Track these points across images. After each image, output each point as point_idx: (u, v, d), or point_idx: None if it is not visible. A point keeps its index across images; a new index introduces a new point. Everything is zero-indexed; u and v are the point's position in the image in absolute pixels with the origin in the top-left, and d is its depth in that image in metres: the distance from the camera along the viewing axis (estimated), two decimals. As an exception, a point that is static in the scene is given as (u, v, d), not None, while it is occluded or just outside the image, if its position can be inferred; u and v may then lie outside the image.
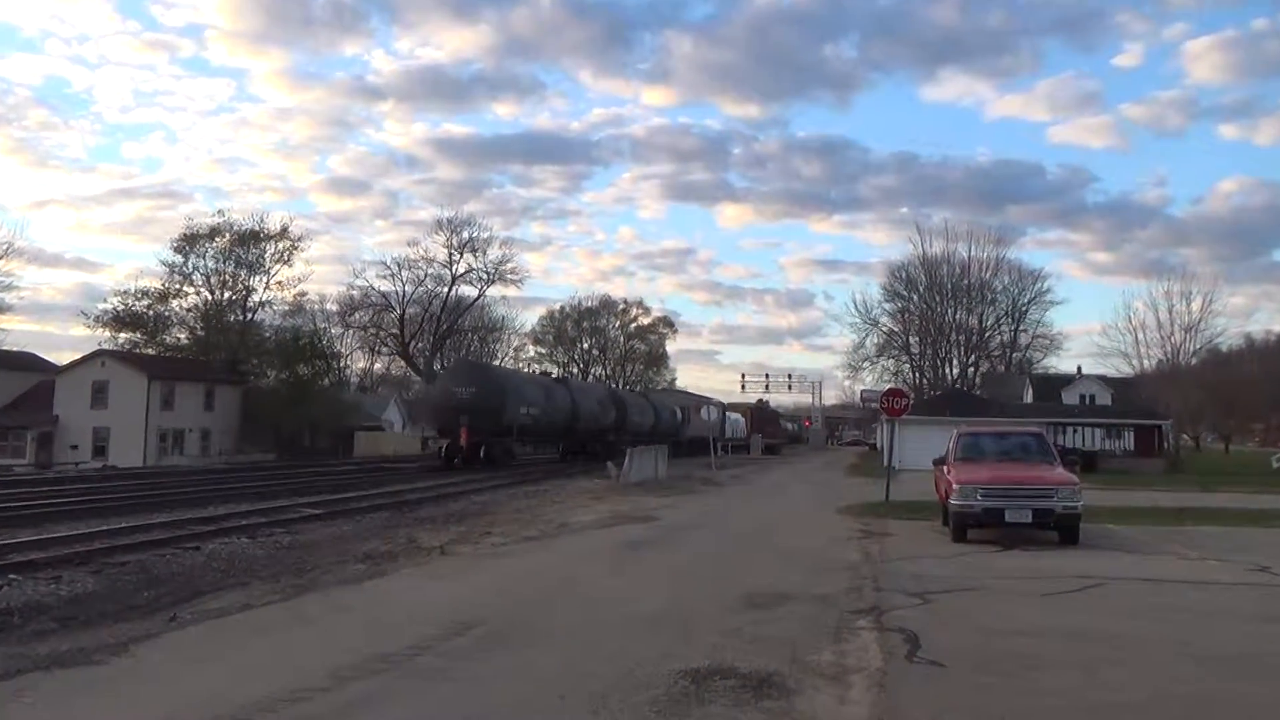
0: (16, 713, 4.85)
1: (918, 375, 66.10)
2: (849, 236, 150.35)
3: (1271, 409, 73.59)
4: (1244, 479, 32.42)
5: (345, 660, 5.73)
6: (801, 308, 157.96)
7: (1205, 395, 49.58)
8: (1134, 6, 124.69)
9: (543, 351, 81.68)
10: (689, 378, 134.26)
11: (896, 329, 66.65)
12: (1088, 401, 50.63)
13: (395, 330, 63.64)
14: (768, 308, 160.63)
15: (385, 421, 64.30)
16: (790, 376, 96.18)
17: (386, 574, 9.45)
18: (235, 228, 54.44)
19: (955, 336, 64.98)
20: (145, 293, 52.56)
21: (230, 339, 52.76)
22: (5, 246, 48.49)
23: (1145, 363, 51.65)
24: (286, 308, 56.74)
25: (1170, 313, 50.74)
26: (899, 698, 5.14)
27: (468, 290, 63.51)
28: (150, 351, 51.68)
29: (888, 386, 42.70)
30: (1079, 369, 58.81)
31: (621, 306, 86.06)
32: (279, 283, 55.34)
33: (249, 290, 54.80)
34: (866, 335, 65.67)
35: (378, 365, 75.59)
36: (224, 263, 54.31)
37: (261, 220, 55.81)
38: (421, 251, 63.06)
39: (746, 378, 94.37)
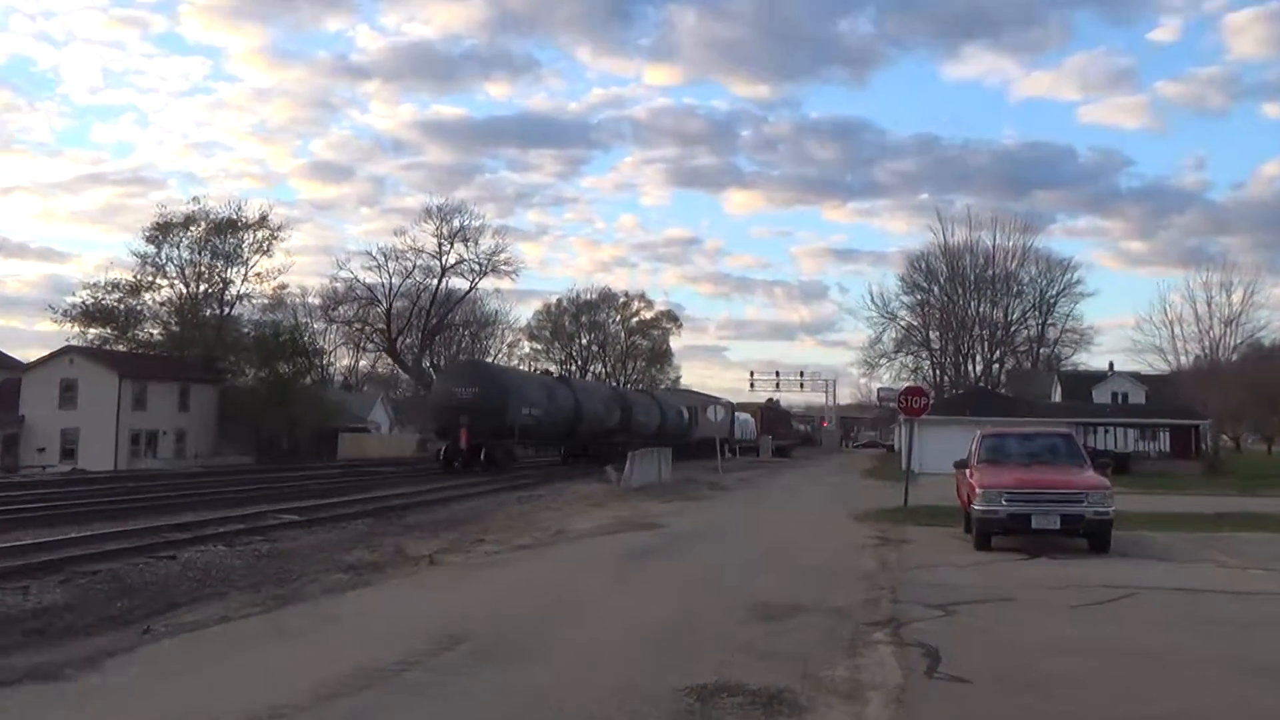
0: (-20, 732, 4.87)
1: (938, 372, 66.13)
2: (865, 224, 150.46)
3: (1317, 408, 73.40)
4: (1287, 483, 32.37)
5: (329, 675, 5.74)
6: (814, 301, 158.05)
7: (1246, 393, 49.47)
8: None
9: (538, 348, 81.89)
10: (694, 376, 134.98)
11: (916, 323, 66.71)
12: (1120, 400, 50.60)
13: (382, 325, 63.77)
14: (778, 301, 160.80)
15: (371, 423, 64.40)
16: (802, 374, 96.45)
17: (372, 584, 9.47)
18: (211, 216, 54.59)
19: (978, 331, 64.95)
20: (116, 285, 52.73)
21: (206, 335, 52.84)
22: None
23: (1182, 359, 51.61)
24: (266, 301, 56.95)
25: (1209, 305, 50.68)
26: (919, 716, 5.14)
27: (459, 282, 63.67)
28: (121, 348, 51.75)
29: (906, 384, 42.75)
30: (1111, 365, 58.84)
31: (622, 300, 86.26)
32: (258, 275, 55.54)
33: (226, 283, 54.97)
34: (884, 330, 65.75)
35: (363, 362, 75.76)
36: (199, 253, 54.46)
37: (239, 208, 55.99)
38: (409, 241, 63.26)
39: (755, 375, 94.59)
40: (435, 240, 61.76)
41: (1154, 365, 53.33)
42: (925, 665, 6.13)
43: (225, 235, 54.41)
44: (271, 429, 48.34)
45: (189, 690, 5.62)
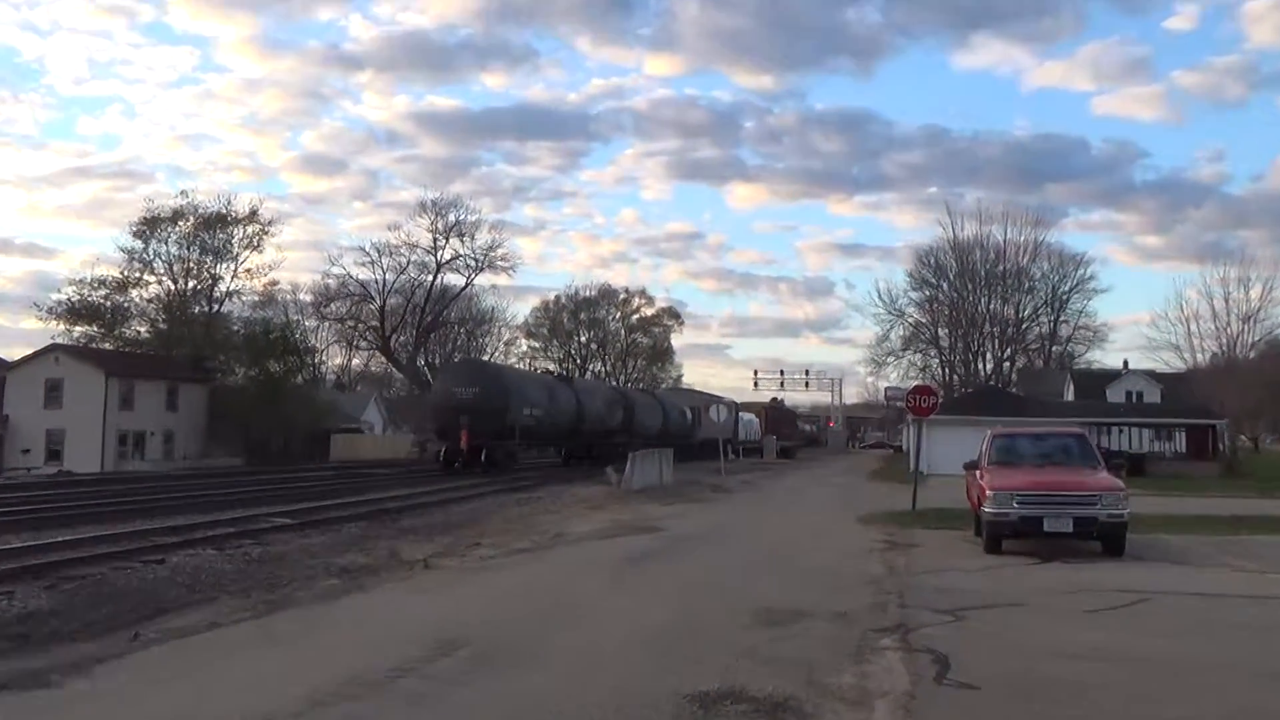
0: (-36, 740, 4.89)
1: (947, 371, 66.08)
2: (872, 219, 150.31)
3: (1337, 407, 73.32)
4: (1306, 484, 32.34)
5: (321, 682, 5.75)
6: (820, 297, 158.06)
7: (1265, 392, 49.35)
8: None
9: (536, 346, 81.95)
10: (696, 374, 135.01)
11: (924, 320, 66.63)
12: (1135, 399, 50.59)
13: (375, 322, 63.77)
14: (783, 297, 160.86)
15: (364, 423, 64.45)
16: (808, 373, 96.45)
17: (366, 589, 9.49)
18: (200, 210, 54.64)
19: (989, 328, 64.92)
20: (102, 282, 52.79)
21: (195, 332, 52.88)
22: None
23: (1199, 356, 51.47)
24: (256, 298, 56.99)
25: (1227, 301, 50.50)
26: (926, 724, 5.15)
27: (454, 279, 63.65)
28: (108, 346, 51.79)
29: (914, 383, 42.81)
30: (1125, 363, 58.72)
31: (623, 296, 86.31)
32: (248, 271, 55.57)
33: (215, 279, 55.03)
34: (891, 327, 65.66)
35: (356, 361, 75.82)
36: (188, 249, 54.49)
37: (228, 202, 55.99)
38: (404, 236, 63.23)
39: (759, 374, 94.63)
40: (430, 235, 61.78)
41: (1170, 363, 53.27)
42: (934, 672, 6.14)
43: (214, 230, 54.46)
44: (262, 430, 48.38)
45: (179, 697, 5.64)
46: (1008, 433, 15.05)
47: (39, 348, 48.95)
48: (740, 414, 60.46)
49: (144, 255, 53.71)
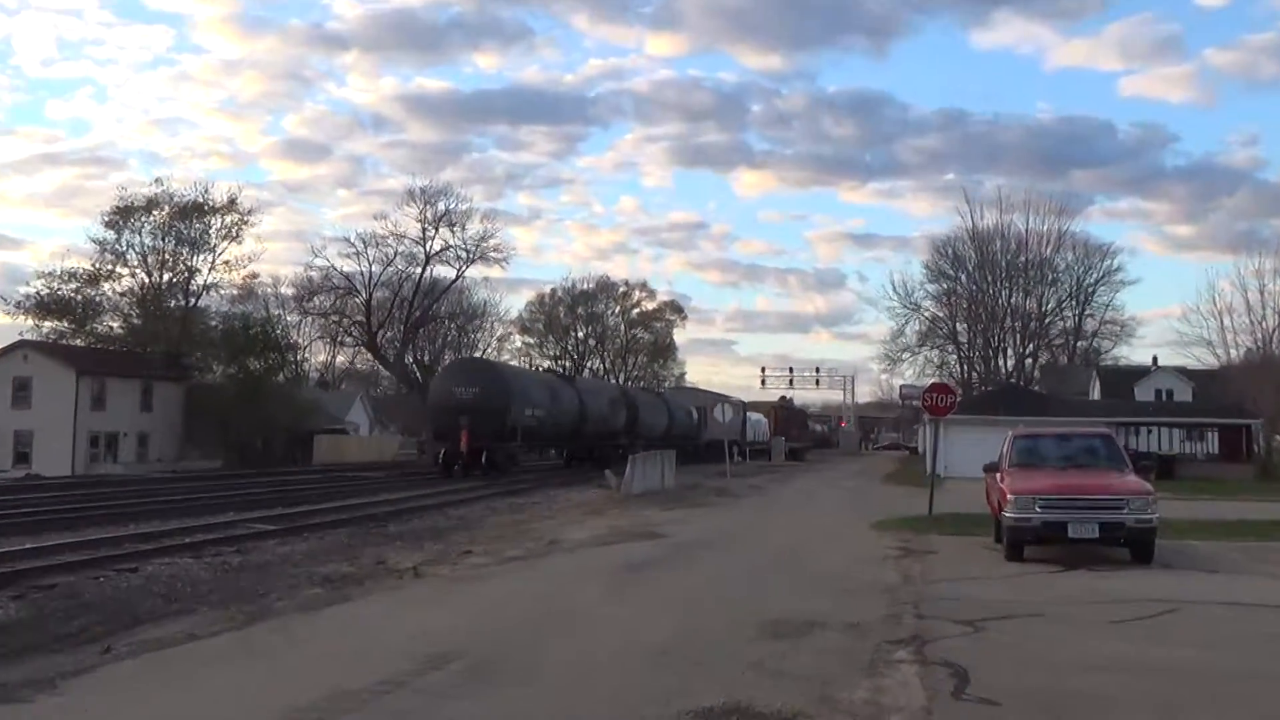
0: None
1: (966, 368, 66.11)
2: (886, 207, 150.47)
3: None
4: (1346, 487, 32.33)
5: (305, 698, 5.76)
6: (831, 290, 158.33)
7: (1302, 390, 49.35)
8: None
9: (531, 342, 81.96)
10: (700, 372, 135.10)
11: (941, 314, 66.67)
12: (1164, 398, 50.58)
13: (360, 317, 63.81)
14: (792, 290, 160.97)
15: (349, 423, 64.51)
16: (818, 370, 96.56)
17: (351, 599, 9.51)
18: (175, 199, 54.58)
19: (1010, 323, 64.93)
20: (73, 274, 52.77)
21: (170, 328, 52.91)
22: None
23: (1232, 352, 51.47)
24: (235, 292, 56.99)
25: (1262, 293, 50.45)
26: (943, 741, 5.15)
27: (444, 271, 63.68)
28: (79, 342, 51.83)
29: (931, 381, 42.84)
30: (1154, 360, 58.80)
31: (622, 289, 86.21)
32: (226, 263, 55.54)
33: (191, 271, 54.99)
34: (906, 322, 65.72)
35: (340, 358, 75.84)
36: (163, 240, 54.48)
37: (206, 190, 55.94)
38: (391, 226, 63.22)
39: (767, 371, 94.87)
40: (419, 225, 61.77)
41: (1202, 359, 53.27)
42: (952, 686, 6.14)
43: (191, 220, 54.43)
44: (241, 431, 48.43)
45: (153, 713, 5.65)
46: (1030, 433, 15.05)
47: (6, 344, 49.05)
48: (749, 414, 60.53)
49: (116, 246, 53.76)
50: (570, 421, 38.22)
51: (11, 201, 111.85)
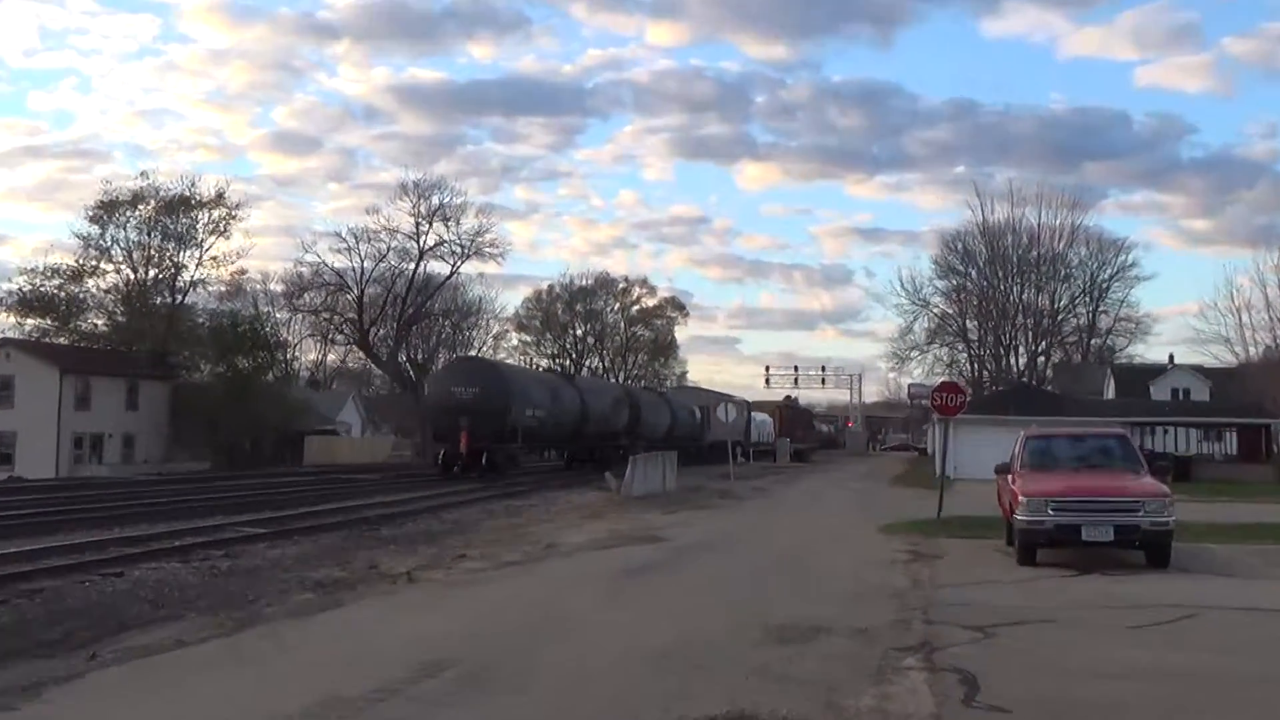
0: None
1: (976, 366, 66.10)
2: (894, 201, 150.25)
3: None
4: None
5: (295, 706, 5.77)
6: (837, 286, 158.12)
7: (1323, 389, 49.37)
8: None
9: (528, 339, 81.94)
10: (702, 371, 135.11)
11: (951, 311, 66.57)
12: (1181, 397, 50.61)
13: (352, 314, 63.64)
14: (797, 286, 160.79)
15: (341, 424, 64.57)
16: (824, 369, 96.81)
17: (343, 605, 9.53)
18: (161, 193, 54.56)
19: (1022, 320, 64.86)
20: (56, 271, 52.77)
21: (156, 326, 52.92)
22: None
23: (1251, 350, 51.35)
24: (223, 288, 56.94)
25: (1282, 289, 50.46)
26: (953, 750, 5.16)
27: (438, 267, 63.52)
28: (62, 341, 51.86)
29: (940, 380, 42.80)
30: (1171, 358, 58.82)
31: (622, 286, 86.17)
32: (213, 258, 55.51)
33: (178, 268, 54.99)
34: (915, 319, 65.59)
35: (331, 356, 75.74)
36: (148, 235, 54.46)
37: (193, 184, 55.92)
38: (383, 221, 62.97)
39: (771, 370, 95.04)
40: (412, 220, 61.57)
41: (1219, 357, 53.16)
42: (962, 693, 6.15)
43: (177, 214, 54.41)
44: (230, 431, 48.46)
45: (140, 722, 5.65)
46: (1042, 434, 15.07)
47: (-13, 343, 49.07)
48: (754, 414, 60.60)
49: (101, 242, 53.74)
50: (572, 422, 38.47)
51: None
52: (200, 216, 55.07)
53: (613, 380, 73.15)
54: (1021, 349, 65.73)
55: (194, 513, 18.37)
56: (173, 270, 54.83)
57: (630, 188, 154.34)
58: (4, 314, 51.89)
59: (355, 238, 61.75)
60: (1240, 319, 51.32)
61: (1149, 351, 66.09)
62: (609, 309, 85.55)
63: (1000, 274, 65.09)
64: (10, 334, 50.43)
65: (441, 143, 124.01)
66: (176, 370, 52.29)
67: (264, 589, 10.31)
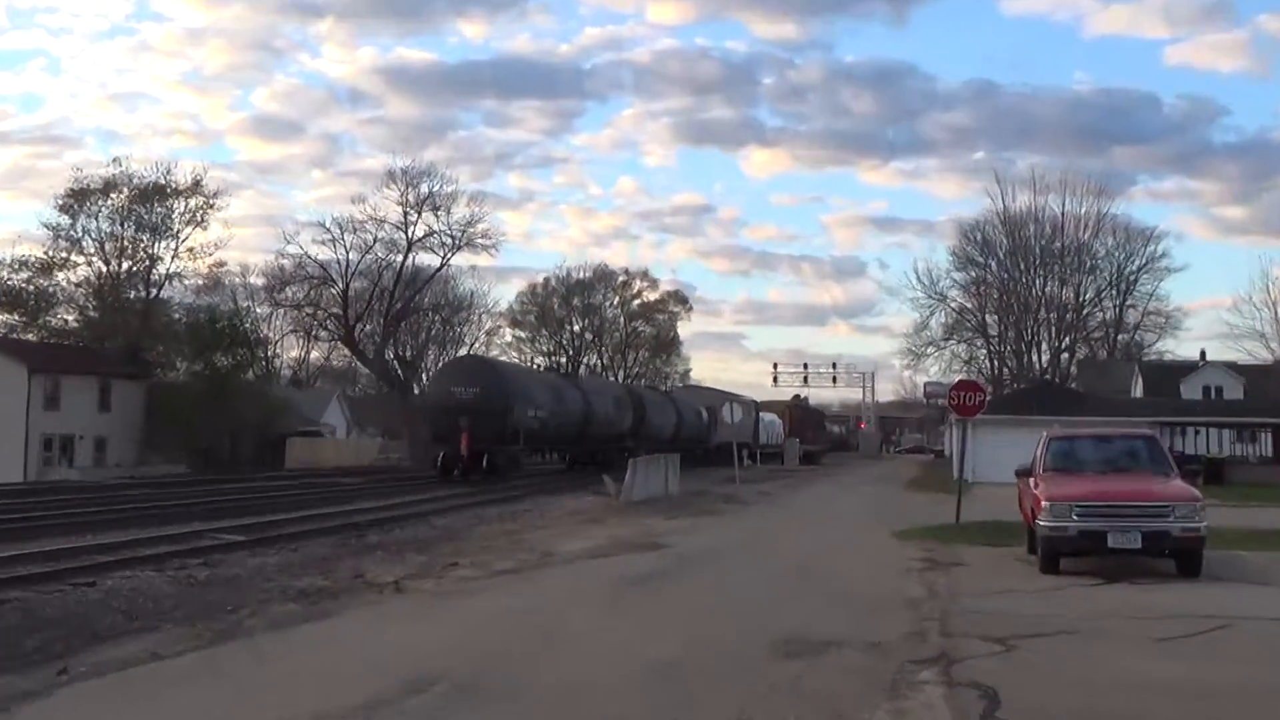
0: None
1: (996, 363, 66.16)
2: (910, 188, 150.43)
3: None
4: None
5: (277, 723, 5.78)
6: (850, 279, 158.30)
7: (1364, 387, 49.39)
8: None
9: (522, 335, 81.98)
10: (706, 368, 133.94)
11: (969, 305, 66.68)
12: (1213, 395, 50.63)
13: (337, 309, 63.63)
14: (807, 279, 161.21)
15: (325, 425, 64.65)
16: (835, 366, 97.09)
17: (328, 616, 9.54)
18: (135, 181, 54.62)
19: (1044, 314, 64.95)
20: (24, 263, 52.85)
21: (130, 321, 52.99)
22: None
23: (1287, 346, 51.57)
24: (200, 282, 57.00)
25: (1321, 282, 50.52)
26: (972, 769, 5.16)
27: (428, 259, 63.55)
28: (31, 337, 51.90)
29: (958, 378, 42.84)
30: (1203, 354, 58.83)
31: (622, 279, 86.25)
32: (190, 250, 55.55)
33: (153, 260, 55.04)
34: (931, 313, 65.68)
35: (315, 354, 75.86)
36: (122, 225, 54.54)
37: (168, 171, 55.97)
38: (369, 210, 62.96)
39: (780, 368, 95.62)
40: (400, 209, 61.52)
41: (1254, 354, 53.41)
42: (981, 709, 6.16)
43: (152, 204, 54.46)
44: (208, 432, 48.53)
45: (113, 740, 5.66)
46: (1066, 435, 15.07)
47: (-49, 339, 49.15)
48: (761, 415, 60.67)
49: (71, 233, 53.81)
50: (575, 423, 38.88)
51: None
52: (176, 206, 55.18)
53: (613, 379, 73.19)
54: (1044, 345, 65.84)
55: (170, 518, 18.38)
56: (147, 263, 54.92)
57: (630, 175, 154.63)
58: (-31, 309, 51.98)
59: (340, 228, 61.68)
60: (1276, 313, 51.51)
61: (1179, 347, 66.28)
62: (608, 303, 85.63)
63: (1022, 266, 65.14)
64: (-25, 330, 50.52)
65: (431, 127, 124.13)
66: (151, 368, 52.34)
67: (244, 599, 10.31)
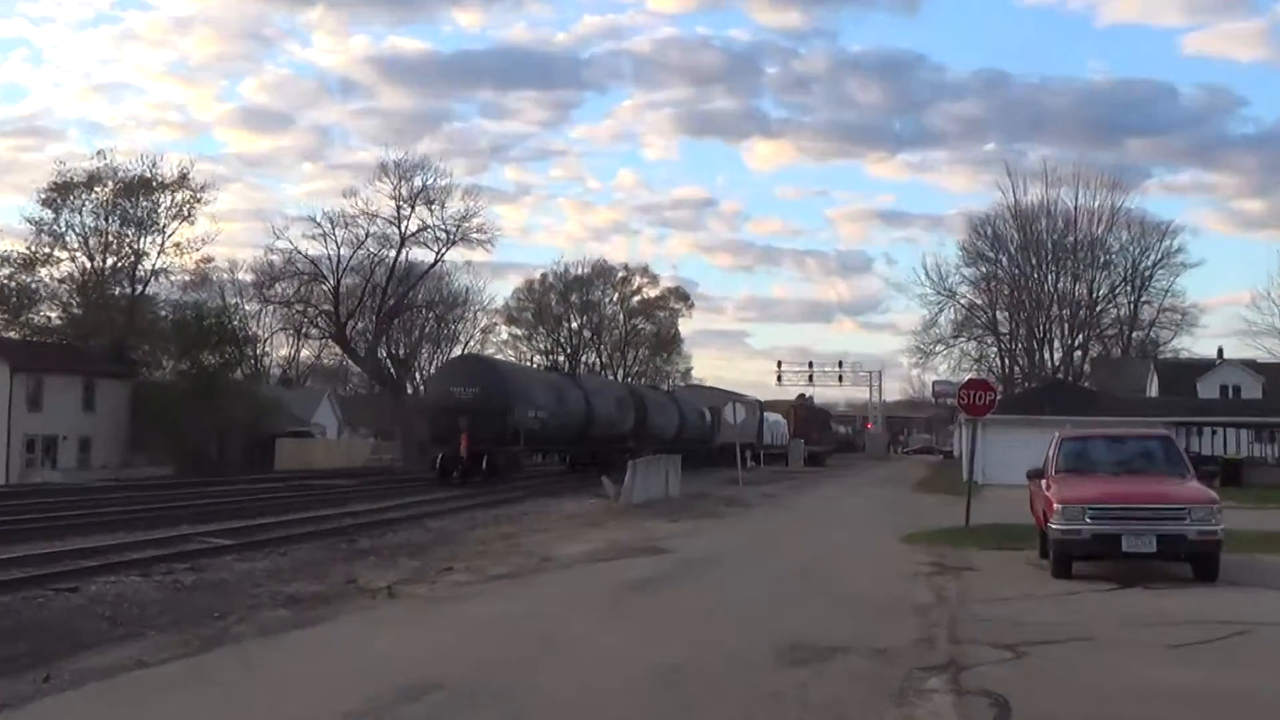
0: None
1: (1007, 362, 66.22)
2: (918, 181, 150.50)
3: None
4: None
5: (266, 732, 5.78)
6: (856, 274, 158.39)
7: (1386, 386, 49.38)
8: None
9: (519, 333, 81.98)
10: (708, 367, 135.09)
11: (979, 302, 66.75)
12: (1231, 394, 50.60)
13: (328, 306, 63.67)
14: (812, 275, 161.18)
15: (316, 425, 64.65)
16: (841, 365, 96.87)
17: (319, 622, 9.54)
18: (120, 174, 54.56)
19: (1056, 311, 64.95)
20: (5, 259, 52.80)
21: (115, 318, 52.97)
22: None
23: (1309, 343, 51.57)
24: (187, 278, 56.98)
25: (1341, 278, 50.49)
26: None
27: (421, 254, 63.58)
28: (13, 335, 51.89)
29: (968, 377, 42.92)
30: (1220, 352, 58.76)
31: (621, 274, 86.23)
32: (177, 245, 55.51)
33: (138, 255, 54.99)
34: (940, 310, 65.72)
35: (305, 352, 75.91)
36: (106, 220, 54.49)
37: (154, 164, 55.91)
38: (361, 204, 63.00)
39: (784, 366, 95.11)
40: (392, 203, 61.54)
41: (1273, 352, 53.37)
42: (991, 717, 6.17)
43: (137, 197, 54.43)
44: (195, 433, 48.51)
45: (97, 750, 5.66)
46: (1079, 435, 15.07)
47: (-69, 337, 49.16)
48: (766, 415, 60.72)
49: (54, 227, 53.70)
50: (576, 424, 39.09)
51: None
52: (162, 199, 55.10)
53: (612, 378, 73.21)
54: (1056, 343, 65.89)
55: (156, 522, 18.38)
56: (132, 258, 54.87)
57: (630, 168, 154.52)
58: (-52, 306, 51.98)
59: (331, 223, 61.69)
60: (1296, 310, 51.43)
61: (1196, 345, 66.23)
62: (607, 300, 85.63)
63: (1033, 261, 65.15)
64: (-44, 328, 50.52)
65: (425, 119, 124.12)
66: (137, 367, 52.33)
67: (232, 605, 10.32)
